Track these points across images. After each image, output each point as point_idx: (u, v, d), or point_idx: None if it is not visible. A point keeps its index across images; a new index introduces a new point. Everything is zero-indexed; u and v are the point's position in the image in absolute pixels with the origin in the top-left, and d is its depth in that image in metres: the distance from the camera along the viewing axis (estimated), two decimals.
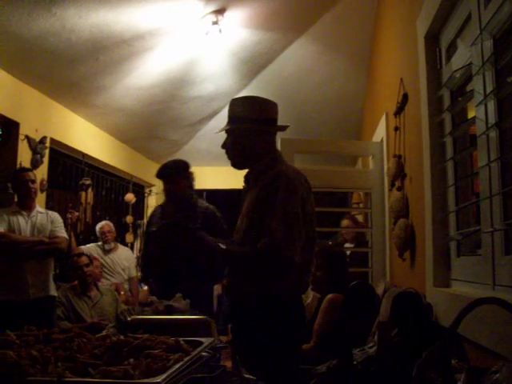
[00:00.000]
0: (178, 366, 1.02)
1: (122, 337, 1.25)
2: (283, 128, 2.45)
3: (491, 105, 1.69)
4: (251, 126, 2.32)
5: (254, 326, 2.16)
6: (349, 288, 2.95)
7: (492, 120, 1.68)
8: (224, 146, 2.42)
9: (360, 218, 5.56)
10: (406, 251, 2.87)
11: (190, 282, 3.46)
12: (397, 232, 2.88)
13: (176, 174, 3.75)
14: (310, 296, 3.64)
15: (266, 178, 2.27)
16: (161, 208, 3.98)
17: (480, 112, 1.76)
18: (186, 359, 1.07)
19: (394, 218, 3.08)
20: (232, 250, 2.27)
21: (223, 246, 2.20)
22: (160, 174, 3.86)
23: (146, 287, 5.38)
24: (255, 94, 2.46)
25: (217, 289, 5.87)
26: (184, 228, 3.14)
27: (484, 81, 1.74)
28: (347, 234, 5.16)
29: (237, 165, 2.42)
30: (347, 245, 5.09)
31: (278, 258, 2.10)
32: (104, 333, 1.37)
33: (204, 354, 1.17)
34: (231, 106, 2.42)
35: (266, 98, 2.40)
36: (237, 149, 2.37)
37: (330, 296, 3.10)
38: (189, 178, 3.84)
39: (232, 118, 2.38)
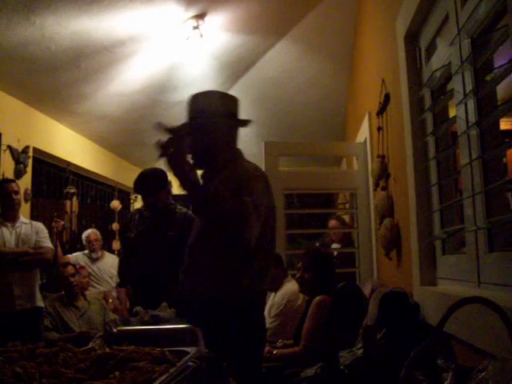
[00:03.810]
0: (163, 377, 1.01)
1: (107, 349, 1.24)
2: (246, 122, 2.26)
3: (471, 104, 1.70)
4: (216, 121, 2.15)
5: (214, 327, 2.07)
6: (336, 289, 2.95)
7: (472, 119, 1.69)
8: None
9: (346, 218, 5.58)
10: (392, 251, 2.88)
11: (173, 288, 3.43)
12: (382, 232, 2.89)
13: (155, 188, 3.59)
14: (300, 298, 3.64)
15: (225, 172, 2.14)
16: (138, 214, 3.83)
17: (460, 111, 1.77)
18: (172, 370, 1.06)
19: (379, 217, 3.10)
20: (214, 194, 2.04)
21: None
22: (138, 190, 3.70)
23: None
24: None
25: None
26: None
27: (463, 80, 1.75)
28: (334, 234, 5.17)
29: (200, 164, 2.20)
30: (334, 245, 5.10)
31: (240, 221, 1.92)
32: (90, 345, 1.35)
33: (190, 363, 1.16)
34: (191, 102, 2.21)
35: (226, 93, 2.30)
36: (199, 147, 2.16)
37: (317, 298, 3.10)
38: (167, 187, 3.74)
39: (193, 114, 2.18)
